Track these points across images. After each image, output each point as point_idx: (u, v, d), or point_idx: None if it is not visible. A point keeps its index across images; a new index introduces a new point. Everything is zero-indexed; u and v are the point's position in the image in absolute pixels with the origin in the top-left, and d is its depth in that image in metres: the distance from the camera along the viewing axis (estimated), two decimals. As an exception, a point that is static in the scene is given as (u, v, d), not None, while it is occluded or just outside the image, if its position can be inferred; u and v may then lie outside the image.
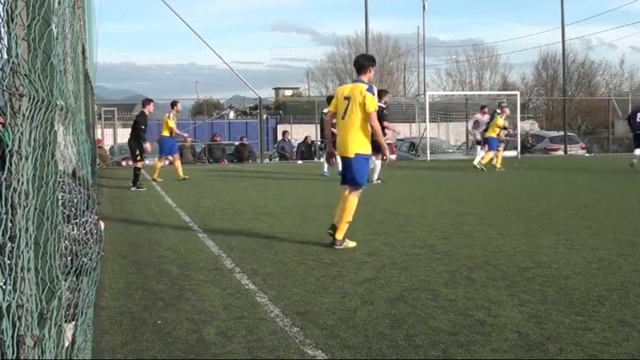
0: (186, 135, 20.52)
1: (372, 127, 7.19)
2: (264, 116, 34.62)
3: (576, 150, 29.82)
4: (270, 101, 50.69)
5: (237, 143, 28.30)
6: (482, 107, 21.19)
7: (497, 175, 17.90)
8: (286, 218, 9.56)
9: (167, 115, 16.73)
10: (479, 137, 20.57)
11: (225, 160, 25.97)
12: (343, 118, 7.29)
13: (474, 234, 7.87)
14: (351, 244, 7.18)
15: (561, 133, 30.32)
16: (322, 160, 18.41)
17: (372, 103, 7.16)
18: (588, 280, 5.59)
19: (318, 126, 31.35)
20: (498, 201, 11.49)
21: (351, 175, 7.28)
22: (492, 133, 19.35)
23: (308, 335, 4.23)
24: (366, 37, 29.59)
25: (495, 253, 6.74)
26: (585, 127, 43.37)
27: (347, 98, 7.28)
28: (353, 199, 7.25)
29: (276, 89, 65.20)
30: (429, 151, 26.88)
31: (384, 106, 15.10)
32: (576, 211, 10.15)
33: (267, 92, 59.31)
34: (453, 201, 11.40)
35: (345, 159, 7.37)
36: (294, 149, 27.73)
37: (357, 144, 7.21)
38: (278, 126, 41.27)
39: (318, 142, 29.32)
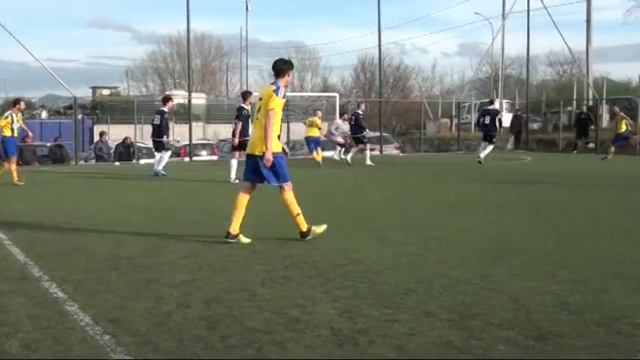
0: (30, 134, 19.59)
1: (265, 123, 7.28)
2: (80, 116, 33.19)
3: (391, 150, 31.20)
4: (86, 100, 48.73)
5: (49, 144, 26.92)
6: (342, 114, 24.21)
7: (317, 174, 18.32)
8: (101, 221, 9.19)
9: (6, 114, 15.70)
10: (340, 140, 22.68)
11: (37, 162, 24.56)
12: (257, 118, 7.49)
13: (291, 233, 7.98)
14: (319, 229, 7.54)
15: (377, 133, 31.57)
16: (154, 160, 17.99)
17: (273, 103, 7.28)
18: (397, 274, 5.86)
19: (138, 127, 30.62)
20: (316, 200, 11.75)
21: (262, 175, 7.40)
22: (313, 133, 20.18)
23: (119, 342, 4.09)
24: (188, 36, 29.22)
25: (311, 252, 6.89)
26: (400, 127, 45.58)
27: (261, 99, 7.51)
28: (288, 195, 7.45)
29: (94, 88, 62.91)
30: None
31: (246, 107, 15.49)
32: (388, 208, 10.64)
33: (83, 91, 56.96)
34: (271, 201, 11.50)
35: (252, 157, 7.46)
36: (112, 150, 26.79)
37: (264, 143, 7.31)
38: (95, 126, 39.79)
39: (140, 144, 28.56)
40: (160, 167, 17.47)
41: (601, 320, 4.49)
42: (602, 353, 3.89)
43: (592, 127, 29.41)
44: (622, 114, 23.82)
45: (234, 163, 15.45)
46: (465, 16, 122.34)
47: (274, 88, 7.40)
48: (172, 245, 7.27)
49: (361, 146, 22.03)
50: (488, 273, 5.89)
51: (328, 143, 23.89)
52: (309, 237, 7.43)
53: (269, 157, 7.23)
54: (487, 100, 27.82)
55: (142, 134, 31.33)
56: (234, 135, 15.54)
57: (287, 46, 76.62)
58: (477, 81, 58.98)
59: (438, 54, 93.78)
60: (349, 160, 21.35)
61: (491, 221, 9.13)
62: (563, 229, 8.40)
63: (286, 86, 7.69)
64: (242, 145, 15.67)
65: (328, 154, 23.54)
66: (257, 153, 7.39)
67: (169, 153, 18.52)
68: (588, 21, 36.25)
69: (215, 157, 29.11)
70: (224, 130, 40.38)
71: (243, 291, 5.32)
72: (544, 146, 32.38)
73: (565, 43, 35.42)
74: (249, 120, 15.79)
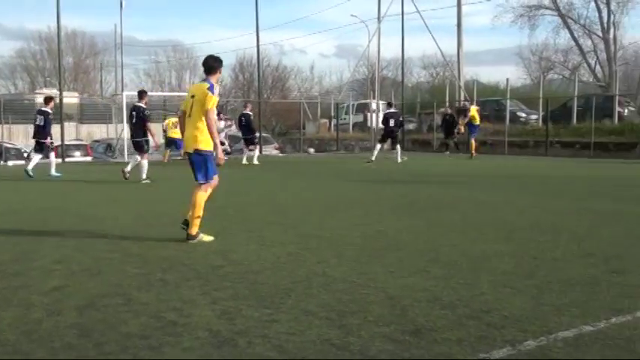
0: None
1: (207, 124, 7.29)
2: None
3: (271, 150, 31.27)
4: (-53, 99, 45.94)
5: None
6: (219, 113, 23.81)
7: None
8: (-35, 227, 8.70)
9: None
10: (223, 140, 23.02)
11: None
12: (190, 115, 7.41)
13: (172, 234, 7.84)
14: (207, 237, 7.42)
15: (257, 134, 31.52)
16: (28, 162, 17.27)
17: (211, 102, 7.25)
18: (276, 274, 5.87)
19: (6, 127, 29.22)
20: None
21: (193, 171, 7.48)
22: (176, 135, 20.42)
23: (-15, 354, 3.89)
24: (58, 32, 28.15)
25: (190, 253, 6.80)
26: (279, 128, 45.73)
27: (193, 97, 7.41)
28: (200, 195, 7.41)
29: (-44, 86, 59.37)
30: (126, 153, 26.31)
31: (144, 106, 15.41)
32: (268, 208, 10.65)
33: (-57, 89, 53.81)
34: (151, 202, 11.28)
35: (188, 155, 7.51)
36: (-23, 151, 25.43)
37: (197, 141, 7.34)
38: (-42, 126, 37.51)
39: (7, 145, 27.23)
40: (53, 170, 17.16)
41: (472, 314, 4.68)
42: (473, 344, 4.05)
43: (456, 130, 30.49)
44: (472, 106, 26.31)
45: (171, 160, 15.38)
46: (342, 18, 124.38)
47: (208, 85, 7.38)
48: (43, 250, 6.97)
49: (251, 147, 22.81)
50: (365, 270, 6.01)
51: None
52: (193, 242, 7.34)
53: (221, 155, 7.42)
54: (365, 101, 28.41)
55: (9, 134, 29.94)
56: (152, 135, 15.53)
57: (164, 45, 75.31)
58: (355, 82, 60.07)
59: (316, 55, 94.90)
60: (256, 161, 22.11)
61: (369, 220, 9.31)
62: (436, 226, 8.68)
63: (217, 83, 7.67)
64: (139, 146, 15.43)
65: None
66: (191, 151, 7.44)
67: (53, 154, 17.98)
68: (459, 25, 37.66)
69: (89, 158, 28.23)
70: (98, 130, 39.18)
71: (118, 296, 5.17)
72: (419, 146, 33.42)
73: (437, 46, 36.93)
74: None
